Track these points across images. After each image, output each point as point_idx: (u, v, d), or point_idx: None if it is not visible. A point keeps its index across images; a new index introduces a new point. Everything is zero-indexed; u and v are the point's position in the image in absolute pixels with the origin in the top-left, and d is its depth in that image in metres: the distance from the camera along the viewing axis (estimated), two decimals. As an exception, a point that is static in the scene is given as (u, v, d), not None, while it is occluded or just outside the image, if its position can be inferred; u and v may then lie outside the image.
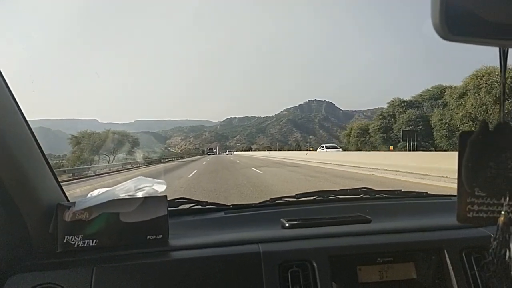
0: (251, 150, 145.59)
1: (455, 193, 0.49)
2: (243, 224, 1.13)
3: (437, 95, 32.25)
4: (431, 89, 33.49)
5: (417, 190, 1.50)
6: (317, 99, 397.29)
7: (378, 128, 36.03)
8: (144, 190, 0.96)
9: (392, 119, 35.49)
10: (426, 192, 1.48)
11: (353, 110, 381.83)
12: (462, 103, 26.54)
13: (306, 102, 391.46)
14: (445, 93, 30.05)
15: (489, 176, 0.46)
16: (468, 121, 25.80)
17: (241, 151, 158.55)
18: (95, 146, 32.01)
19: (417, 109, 34.36)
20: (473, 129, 0.46)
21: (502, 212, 0.47)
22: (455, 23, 0.42)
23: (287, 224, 1.06)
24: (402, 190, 1.48)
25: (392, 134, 34.91)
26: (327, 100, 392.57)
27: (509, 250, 0.47)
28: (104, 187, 0.97)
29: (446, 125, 28.26)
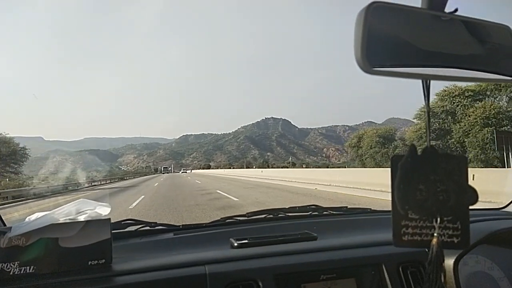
0: (210, 168, 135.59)
1: None
2: (192, 244, 1.11)
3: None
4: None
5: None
6: (273, 116, 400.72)
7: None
8: (86, 213, 0.94)
9: (449, 117, 22.25)
10: (370, 208, 1.55)
11: (309, 127, 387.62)
12: None
13: (263, 119, 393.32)
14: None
15: (420, 198, 0.48)
16: None
17: (198, 169, 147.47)
18: None
19: (482, 102, 21.12)
20: None
21: (435, 234, 0.48)
22: (376, 57, 0.44)
23: (235, 244, 1.06)
24: (348, 207, 1.53)
25: (452, 140, 21.67)
26: (283, 118, 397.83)
27: (444, 273, 0.48)
28: (43, 211, 0.93)
29: None
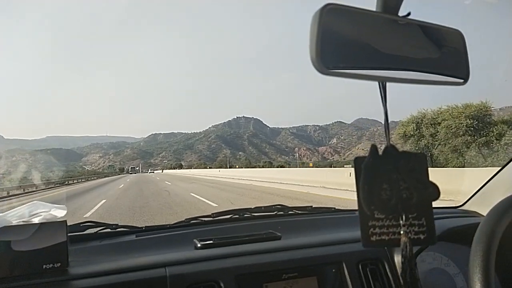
0: (182, 168, 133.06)
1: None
2: (155, 246, 1.09)
3: None
4: None
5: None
6: (245, 115, 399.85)
7: None
8: (41, 215, 0.91)
9: None
10: (334, 208, 1.54)
11: (280, 127, 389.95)
12: None
13: (234, 118, 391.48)
14: None
15: (385, 198, 0.48)
16: None
17: (169, 169, 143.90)
18: None
19: None
20: None
21: (402, 233, 0.49)
22: (331, 58, 0.44)
23: (199, 245, 1.05)
24: (313, 206, 1.54)
25: None
26: (254, 117, 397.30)
27: (417, 269, 0.49)
28: None
29: None
